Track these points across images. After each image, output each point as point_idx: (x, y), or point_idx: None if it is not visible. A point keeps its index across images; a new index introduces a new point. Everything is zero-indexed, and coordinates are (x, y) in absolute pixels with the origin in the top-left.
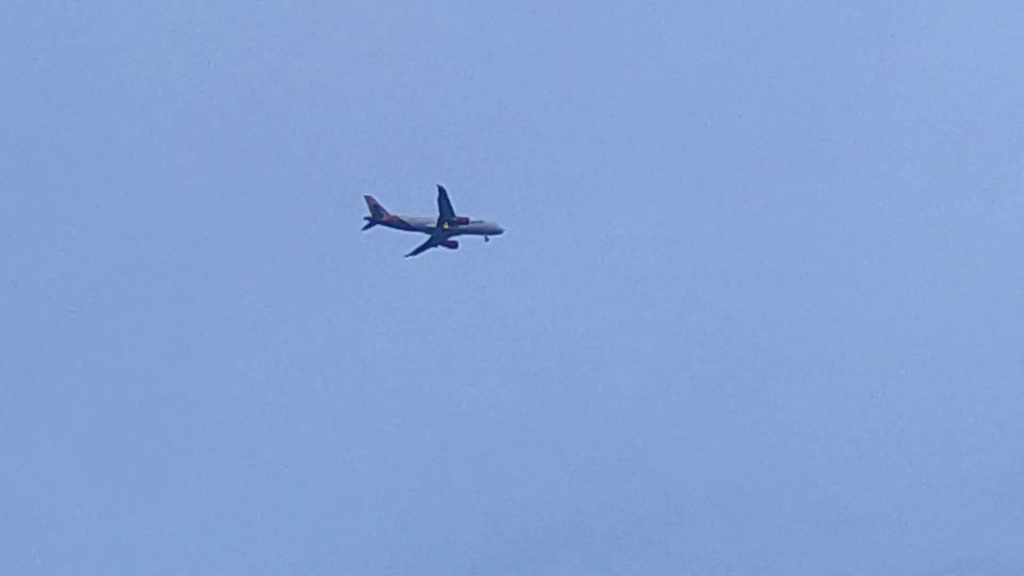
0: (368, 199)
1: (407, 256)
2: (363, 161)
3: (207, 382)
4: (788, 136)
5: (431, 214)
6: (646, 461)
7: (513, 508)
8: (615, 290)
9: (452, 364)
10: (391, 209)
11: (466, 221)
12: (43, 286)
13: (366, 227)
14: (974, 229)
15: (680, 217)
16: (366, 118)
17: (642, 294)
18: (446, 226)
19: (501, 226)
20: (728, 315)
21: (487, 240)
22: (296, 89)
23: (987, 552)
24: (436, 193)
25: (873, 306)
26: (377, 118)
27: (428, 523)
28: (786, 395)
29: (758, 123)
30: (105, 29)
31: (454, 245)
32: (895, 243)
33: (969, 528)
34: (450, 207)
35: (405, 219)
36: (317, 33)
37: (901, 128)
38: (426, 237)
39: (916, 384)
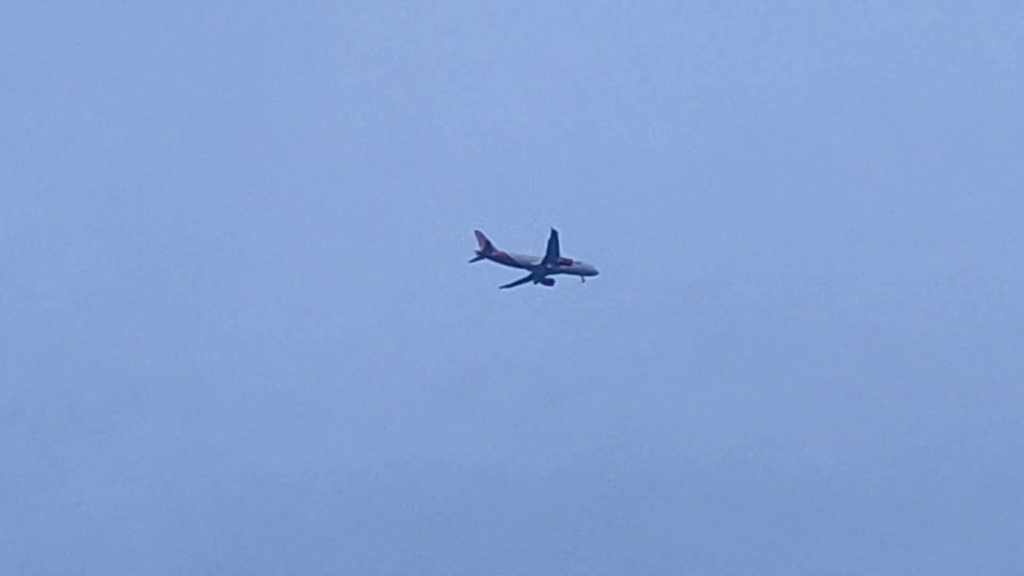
0: (478, 234)
1: (503, 287)
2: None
3: None
4: None
5: (536, 252)
6: (94, 350)
7: None
8: None
9: None
10: (498, 245)
11: (569, 263)
12: None
13: (474, 260)
14: None
15: None
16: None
17: None
18: (549, 265)
19: (597, 268)
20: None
21: (583, 281)
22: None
23: (428, 452)
24: (548, 235)
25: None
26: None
27: None
28: (235, 292)
29: None
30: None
31: (551, 283)
32: None
33: (413, 428)
34: (558, 249)
35: (512, 256)
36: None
37: None
38: (527, 273)
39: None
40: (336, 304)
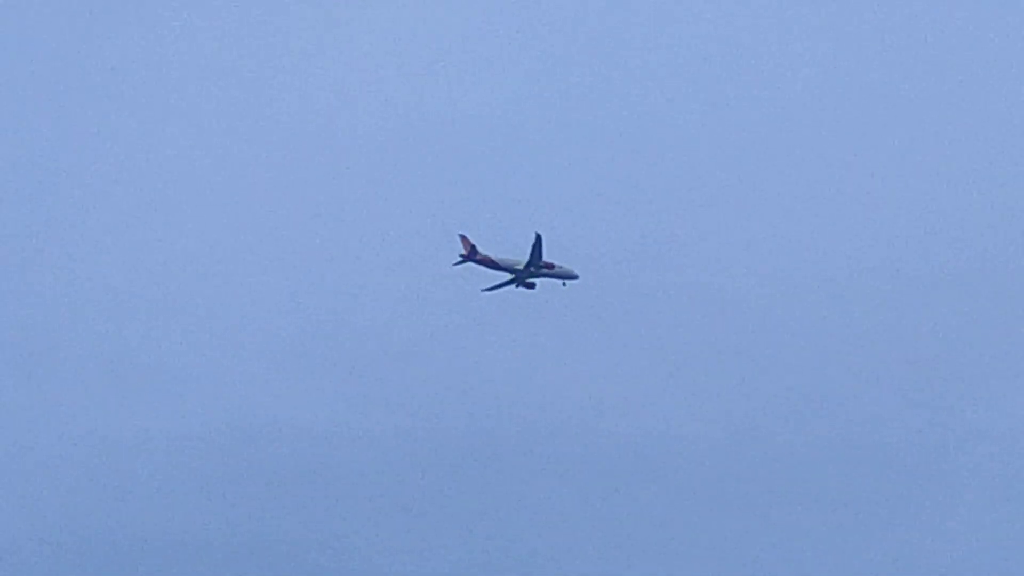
0: (463, 237)
1: (484, 290)
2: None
3: None
4: None
5: (520, 256)
6: None
7: None
8: None
9: None
10: (481, 248)
11: (551, 267)
12: None
13: (458, 263)
14: None
15: None
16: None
17: None
18: (532, 269)
19: (577, 272)
20: None
21: (564, 285)
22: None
23: (268, 412)
24: (532, 239)
25: None
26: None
27: None
28: (76, 246)
29: None
30: None
31: (532, 286)
32: None
33: (253, 388)
34: (541, 253)
35: (496, 259)
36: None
37: None
38: (509, 276)
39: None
40: (180, 265)
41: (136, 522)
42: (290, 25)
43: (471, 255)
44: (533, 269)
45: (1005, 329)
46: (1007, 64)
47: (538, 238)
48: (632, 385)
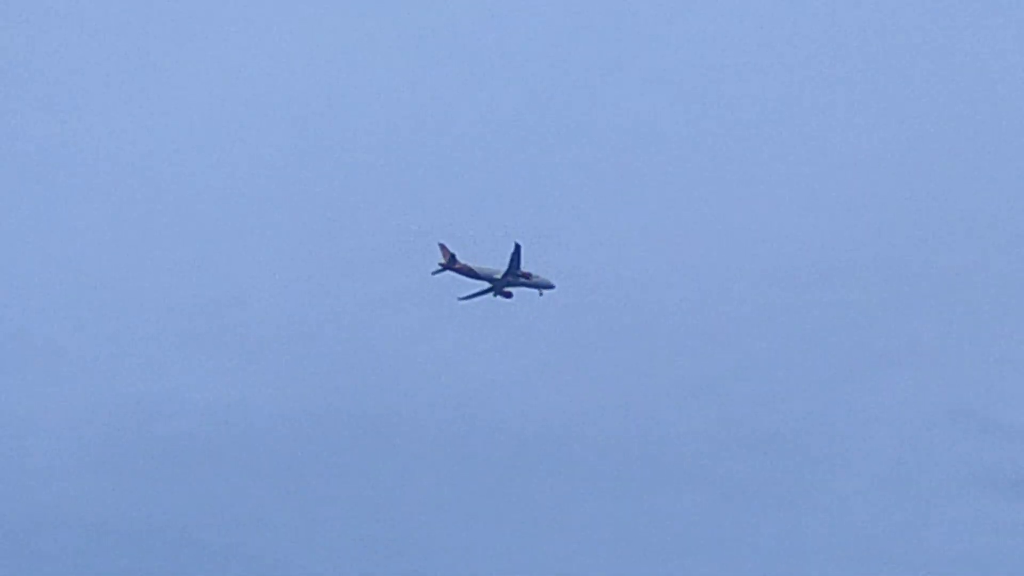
0: (442, 246)
1: (461, 299)
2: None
3: None
4: None
5: (498, 265)
6: None
7: None
8: None
9: None
10: (460, 257)
11: (529, 276)
12: None
13: (436, 272)
14: None
15: None
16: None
17: None
18: (510, 278)
19: (554, 282)
20: None
21: (541, 294)
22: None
23: (164, 389)
24: (511, 248)
25: None
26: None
27: None
28: None
29: None
30: None
31: (509, 295)
32: None
33: (149, 365)
34: (519, 263)
35: (475, 268)
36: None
37: None
38: (487, 285)
39: None
40: (73, 242)
41: (29, 500)
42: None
43: (450, 264)
44: (511, 278)
45: (894, 316)
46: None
47: (517, 248)
48: (523, 368)
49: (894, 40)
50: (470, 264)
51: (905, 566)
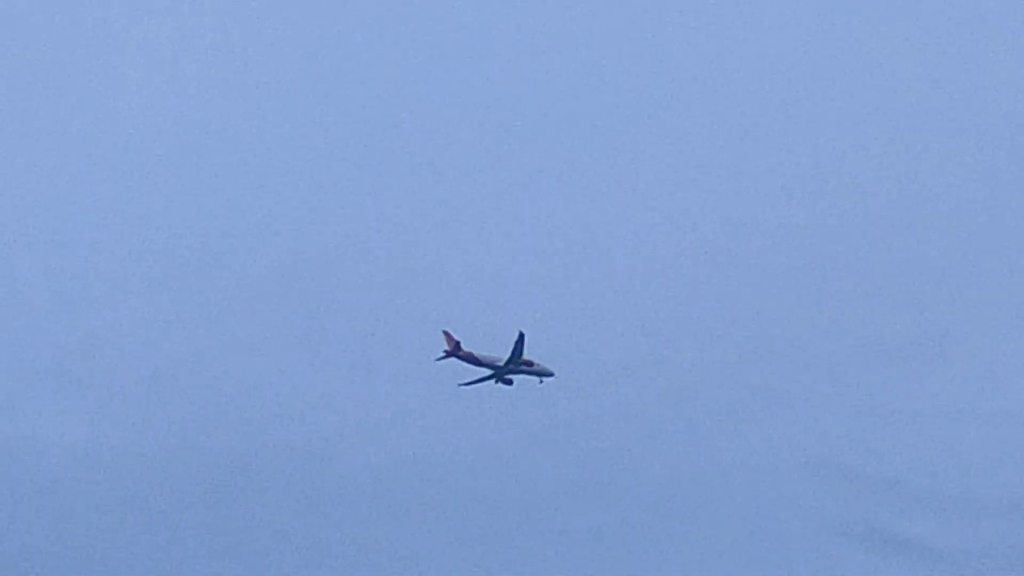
0: (446, 334)
1: (461, 385)
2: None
3: None
4: None
5: (500, 353)
6: None
7: None
8: None
9: None
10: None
11: (531, 364)
12: None
13: (441, 358)
14: None
15: None
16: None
17: None
18: (511, 366)
19: (554, 369)
20: None
21: (541, 382)
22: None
23: (24, 429)
24: (515, 336)
25: None
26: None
27: None
28: None
29: None
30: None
31: (510, 383)
32: None
33: (8, 404)
34: (522, 351)
35: (478, 356)
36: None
37: None
38: (489, 372)
39: None
40: None
41: None
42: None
43: (455, 351)
44: (513, 366)
45: (755, 368)
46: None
47: (520, 336)
48: (389, 422)
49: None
50: (473, 351)
51: None
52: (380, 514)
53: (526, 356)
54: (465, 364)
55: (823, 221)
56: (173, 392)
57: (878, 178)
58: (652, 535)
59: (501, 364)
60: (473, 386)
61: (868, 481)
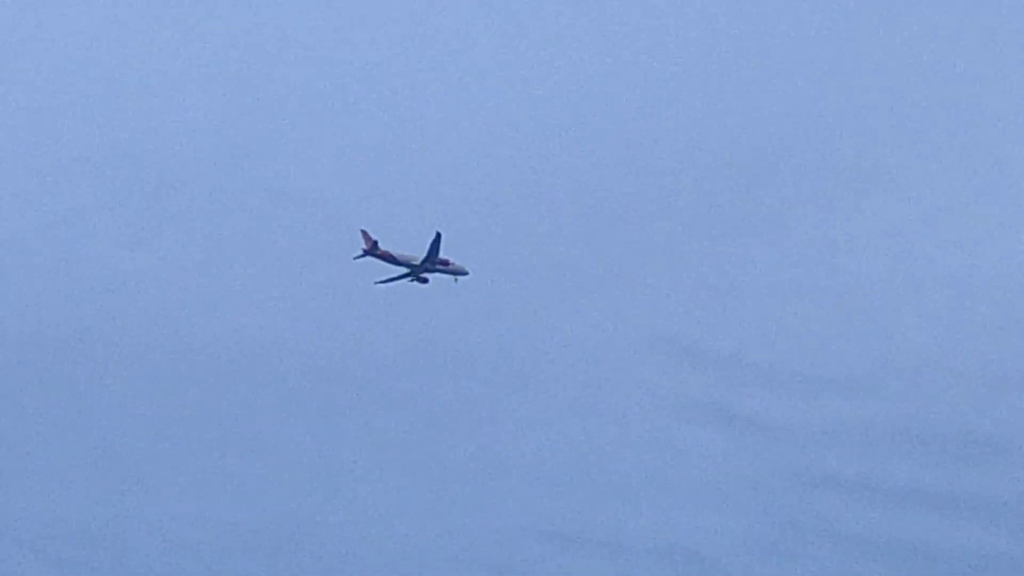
0: (364, 233)
1: (378, 283)
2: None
3: None
4: None
5: (417, 252)
6: None
7: None
8: None
9: None
10: (381, 243)
11: (446, 263)
12: None
13: (358, 257)
14: None
15: None
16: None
17: None
18: (427, 265)
19: (467, 269)
20: None
21: (456, 280)
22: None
23: None
24: (432, 236)
25: None
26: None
27: None
28: None
29: None
30: None
31: (425, 280)
32: None
33: None
34: (438, 250)
35: (395, 255)
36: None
37: None
38: (405, 270)
39: None
40: None
41: None
42: None
43: (372, 250)
44: (429, 265)
45: (596, 241)
46: None
47: (437, 236)
48: (226, 282)
49: None
50: (391, 251)
51: (598, 490)
52: (229, 386)
53: (442, 256)
54: (383, 263)
55: (663, 96)
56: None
57: (719, 51)
58: (494, 409)
59: (417, 263)
60: (390, 283)
61: (708, 357)
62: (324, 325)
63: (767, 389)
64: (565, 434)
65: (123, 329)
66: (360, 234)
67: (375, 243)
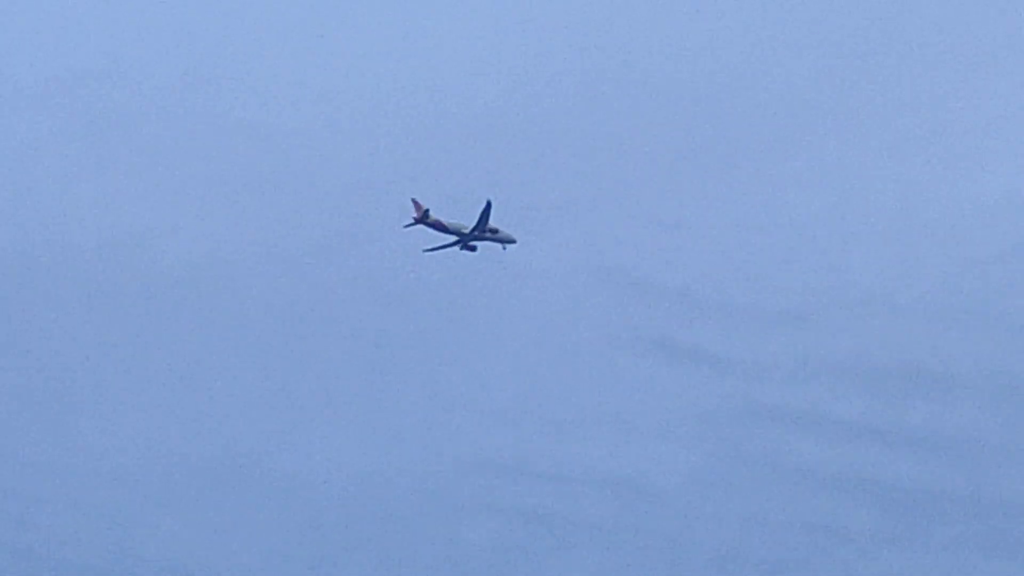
0: (414, 201)
1: (427, 250)
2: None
3: None
4: None
5: (467, 221)
6: None
7: None
8: None
9: None
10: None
11: (496, 231)
12: None
13: (409, 225)
14: None
15: None
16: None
17: None
18: (476, 232)
19: (516, 237)
20: None
21: (504, 248)
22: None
23: None
24: (482, 205)
25: None
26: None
27: None
28: None
29: None
30: None
31: (474, 248)
32: None
33: None
34: (488, 219)
35: (445, 223)
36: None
37: None
38: (454, 239)
39: None
40: None
41: None
42: None
43: (423, 218)
44: (478, 233)
45: (543, 173)
46: None
47: (488, 205)
48: (175, 210)
49: None
50: (441, 219)
51: (546, 422)
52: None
53: (491, 224)
54: (433, 231)
55: (612, 33)
56: None
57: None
58: (441, 343)
59: (466, 231)
60: (438, 251)
61: (656, 290)
62: (277, 258)
63: (715, 322)
64: (513, 366)
65: (75, 258)
66: (411, 203)
67: (426, 211)
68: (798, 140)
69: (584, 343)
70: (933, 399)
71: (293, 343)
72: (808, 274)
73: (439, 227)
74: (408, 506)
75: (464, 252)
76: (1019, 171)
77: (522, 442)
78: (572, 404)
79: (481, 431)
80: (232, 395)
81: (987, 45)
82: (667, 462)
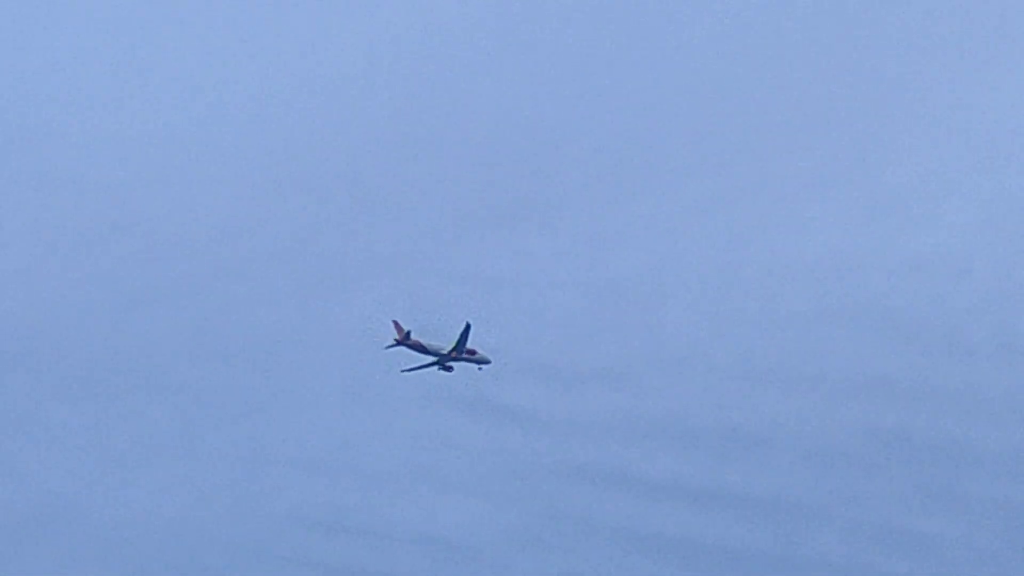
0: (395, 324)
1: (404, 371)
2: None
3: None
4: None
5: (445, 342)
6: None
7: None
8: None
9: None
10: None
11: (473, 353)
12: None
13: (391, 346)
14: None
15: None
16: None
17: None
18: (454, 354)
19: (490, 358)
20: None
21: (480, 369)
22: None
23: None
24: (462, 327)
25: None
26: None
27: None
28: None
29: None
30: None
31: (450, 369)
32: None
33: None
34: (467, 340)
35: (425, 344)
36: None
37: None
38: (432, 359)
39: None
40: None
41: None
42: None
43: (404, 339)
44: (455, 354)
45: (360, 216)
46: None
47: (467, 327)
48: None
49: None
50: (421, 340)
51: (362, 479)
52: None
53: (468, 346)
54: (414, 352)
55: (446, 84)
56: None
57: (501, 44)
58: (261, 396)
59: (445, 352)
60: (416, 372)
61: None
62: (97, 314)
63: (530, 381)
64: (330, 422)
65: None
66: (392, 325)
67: (407, 334)
68: (616, 198)
69: (399, 400)
70: (748, 459)
71: (110, 393)
72: (625, 332)
73: (419, 348)
74: (224, 558)
75: (441, 372)
76: (837, 230)
77: (337, 497)
78: (388, 461)
79: (298, 486)
80: (49, 443)
81: (808, 105)
82: (482, 519)
